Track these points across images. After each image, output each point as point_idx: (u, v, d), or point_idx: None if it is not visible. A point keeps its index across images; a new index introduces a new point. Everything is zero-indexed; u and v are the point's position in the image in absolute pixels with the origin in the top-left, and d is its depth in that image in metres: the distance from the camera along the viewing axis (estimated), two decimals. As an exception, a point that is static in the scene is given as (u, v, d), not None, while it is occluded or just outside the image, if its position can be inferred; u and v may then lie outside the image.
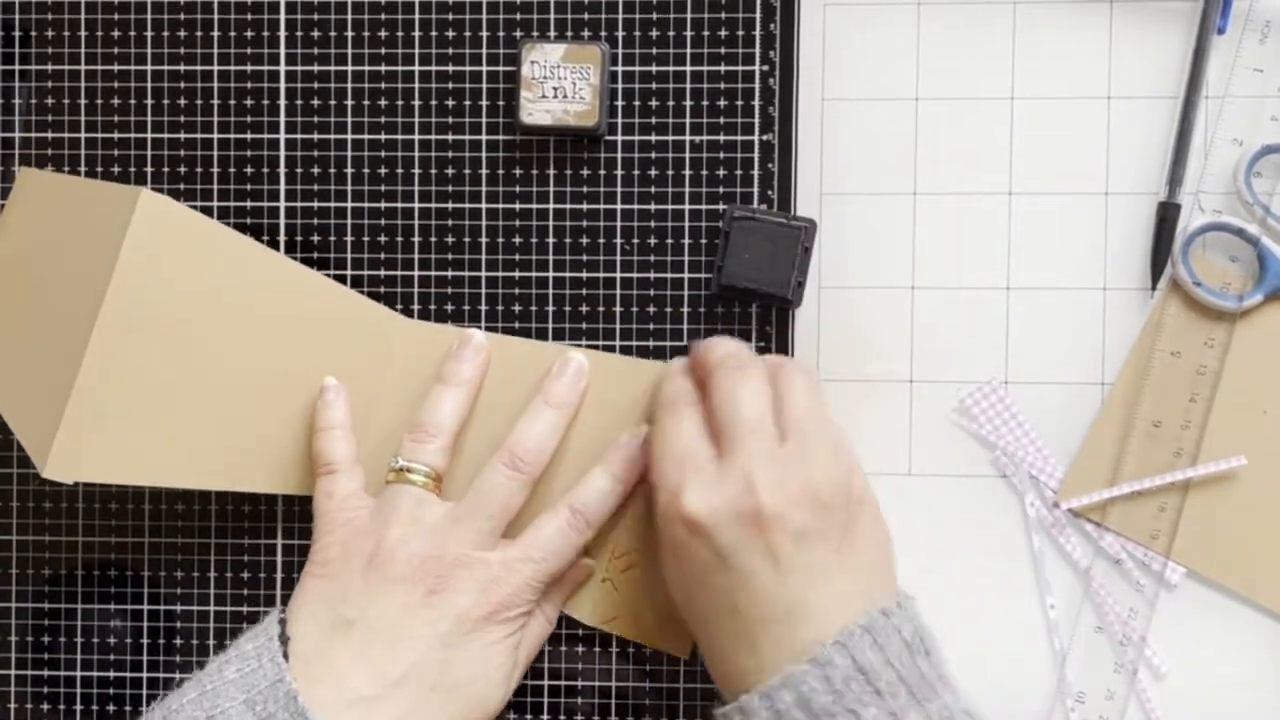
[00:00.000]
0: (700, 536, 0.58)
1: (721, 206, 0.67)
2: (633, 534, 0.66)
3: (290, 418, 0.65)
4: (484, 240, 0.68)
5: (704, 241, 0.67)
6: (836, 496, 0.58)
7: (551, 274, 0.68)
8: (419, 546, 0.62)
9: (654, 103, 0.68)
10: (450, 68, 0.68)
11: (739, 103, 0.67)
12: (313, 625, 0.61)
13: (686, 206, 0.68)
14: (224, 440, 0.64)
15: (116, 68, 0.69)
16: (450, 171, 0.68)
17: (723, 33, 0.67)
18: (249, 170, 0.69)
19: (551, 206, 0.68)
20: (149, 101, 0.69)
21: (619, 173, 0.68)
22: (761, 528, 0.57)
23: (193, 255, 0.62)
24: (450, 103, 0.68)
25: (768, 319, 0.67)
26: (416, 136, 0.68)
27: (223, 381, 0.63)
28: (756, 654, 0.57)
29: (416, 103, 0.68)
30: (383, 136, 0.69)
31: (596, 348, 0.68)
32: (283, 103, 0.69)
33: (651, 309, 0.68)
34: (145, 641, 0.69)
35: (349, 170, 0.69)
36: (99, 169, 0.69)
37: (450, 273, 0.68)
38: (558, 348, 0.67)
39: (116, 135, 0.69)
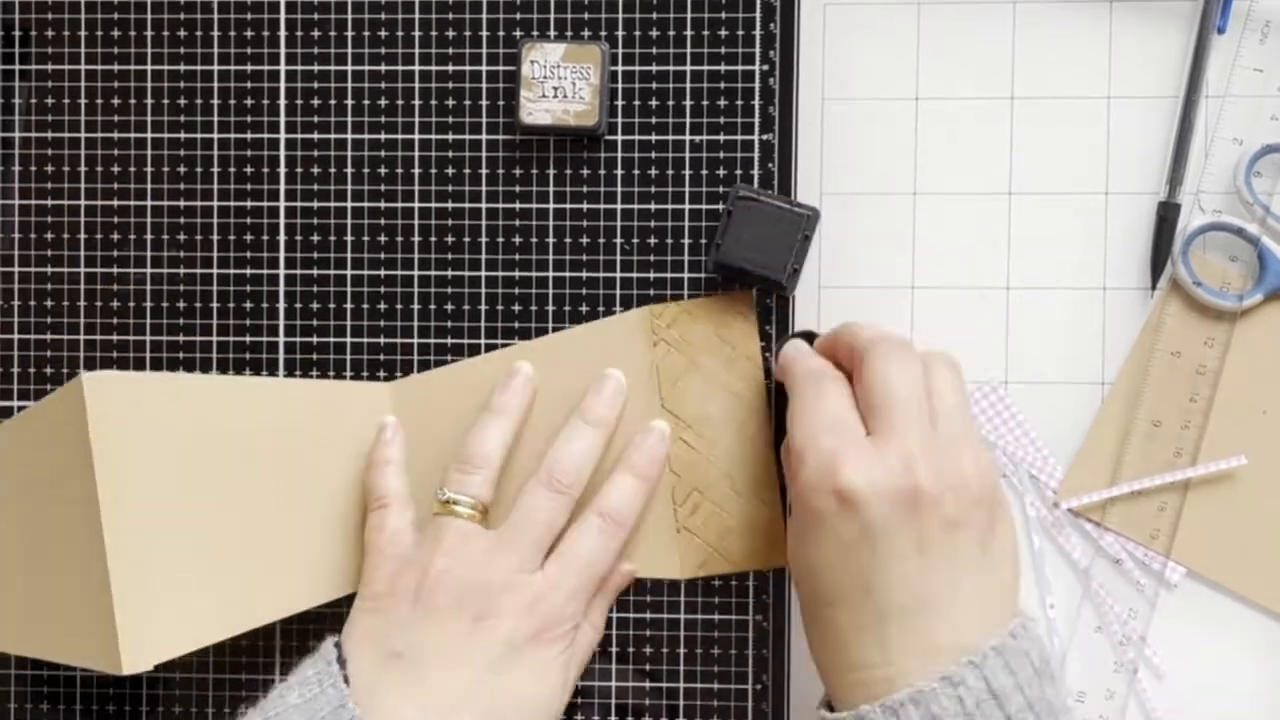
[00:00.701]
0: (850, 510, 0.55)
1: (721, 206, 0.67)
2: (686, 477, 0.66)
3: (324, 523, 0.65)
4: (484, 240, 0.68)
5: (704, 241, 0.67)
6: (985, 492, 0.56)
7: (551, 274, 0.68)
8: (463, 575, 0.61)
9: (654, 102, 0.68)
10: (450, 67, 0.68)
11: (739, 102, 0.67)
12: (365, 659, 0.61)
13: (686, 206, 0.68)
14: (269, 567, 0.64)
15: (116, 68, 0.69)
16: (450, 171, 0.68)
17: (723, 32, 0.67)
18: (249, 170, 0.69)
19: (551, 206, 0.68)
20: (149, 101, 0.69)
21: (619, 172, 0.68)
22: (917, 510, 0.55)
23: (161, 412, 0.61)
24: (450, 102, 0.68)
25: (767, 319, 0.67)
26: (416, 136, 0.68)
27: (243, 513, 0.63)
28: (884, 645, 0.55)
29: (416, 102, 0.68)
30: (383, 136, 0.69)
31: (596, 347, 0.68)
32: (283, 102, 0.69)
33: (651, 309, 0.68)
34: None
35: (349, 170, 0.69)
36: (99, 168, 0.69)
37: (450, 272, 0.68)
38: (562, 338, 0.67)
39: (116, 135, 0.69)
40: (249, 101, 0.69)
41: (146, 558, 0.60)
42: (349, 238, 0.69)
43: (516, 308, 0.68)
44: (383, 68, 0.69)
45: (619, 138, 0.68)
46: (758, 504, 0.66)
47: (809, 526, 0.57)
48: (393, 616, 0.61)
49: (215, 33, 0.69)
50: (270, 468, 0.64)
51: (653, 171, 0.68)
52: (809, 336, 0.64)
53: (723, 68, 0.67)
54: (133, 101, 0.69)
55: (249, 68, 0.69)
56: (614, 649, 0.68)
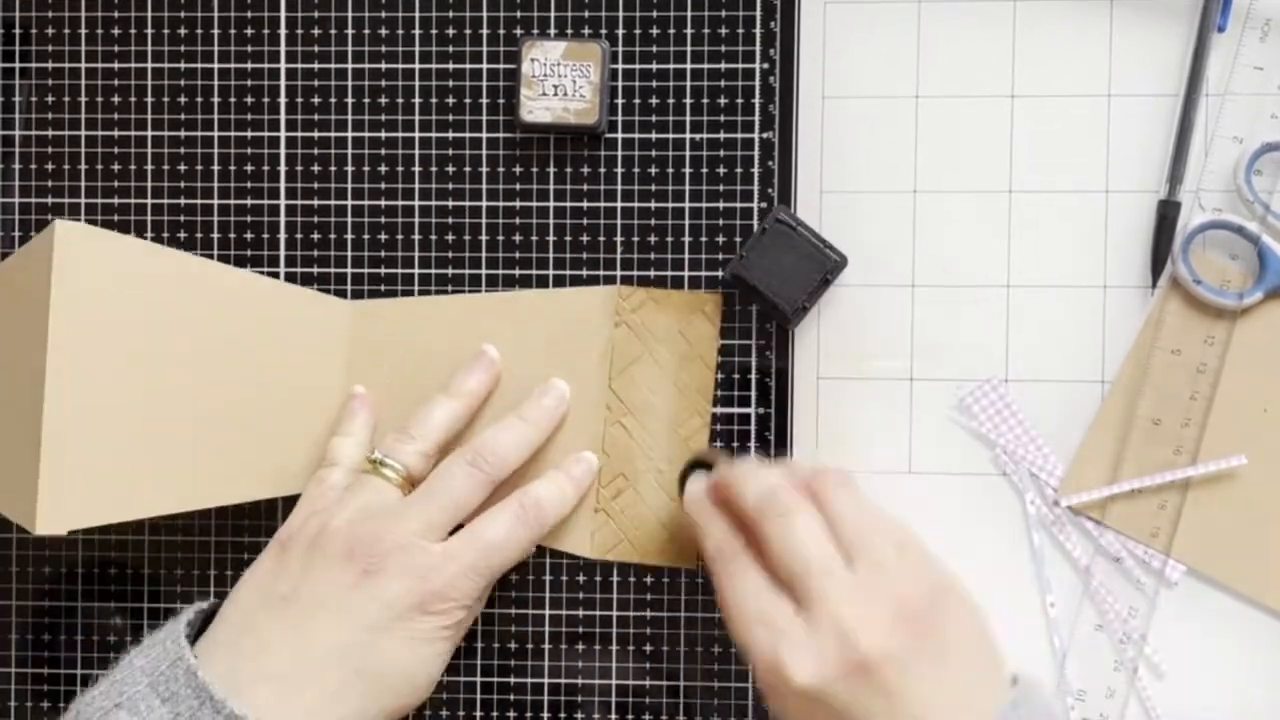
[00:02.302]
0: (817, 703, 0.56)
1: (722, 204, 0.67)
2: (616, 461, 0.67)
3: (263, 419, 0.65)
4: (484, 238, 0.68)
5: (704, 239, 0.67)
6: (922, 600, 0.57)
7: (552, 272, 0.68)
8: (363, 528, 0.61)
9: (654, 100, 0.68)
10: (450, 65, 0.68)
11: (739, 100, 0.67)
12: (251, 597, 0.62)
13: (687, 205, 0.68)
14: (205, 456, 0.64)
15: (117, 65, 0.69)
16: (450, 169, 0.68)
17: (723, 30, 0.67)
18: (249, 169, 0.69)
19: (552, 205, 0.68)
20: (149, 100, 0.69)
21: (619, 171, 0.68)
22: (870, 673, 0.55)
23: (127, 277, 0.61)
24: (450, 100, 0.68)
25: (768, 316, 0.67)
26: (417, 134, 0.68)
27: (189, 397, 0.63)
28: None
29: (417, 101, 0.68)
30: (383, 135, 0.69)
31: (597, 345, 0.68)
32: (283, 101, 0.69)
33: (652, 307, 0.68)
34: (145, 640, 0.69)
35: (349, 168, 0.69)
36: (99, 167, 0.69)
37: (450, 271, 0.68)
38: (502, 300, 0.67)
39: (117, 133, 0.69)
40: (249, 99, 0.69)
41: (83, 418, 0.60)
42: (349, 236, 0.69)
43: (517, 305, 0.68)
44: (383, 65, 0.69)
45: (619, 136, 0.68)
46: (677, 504, 0.66)
47: (793, 717, 0.58)
48: (286, 561, 0.62)
49: (215, 30, 0.69)
50: (223, 357, 0.64)
51: (653, 170, 0.68)
52: (704, 465, 0.64)
53: (723, 66, 0.67)
54: (133, 99, 0.69)
55: (249, 65, 0.69)
56: (614, 646, 0.68)
